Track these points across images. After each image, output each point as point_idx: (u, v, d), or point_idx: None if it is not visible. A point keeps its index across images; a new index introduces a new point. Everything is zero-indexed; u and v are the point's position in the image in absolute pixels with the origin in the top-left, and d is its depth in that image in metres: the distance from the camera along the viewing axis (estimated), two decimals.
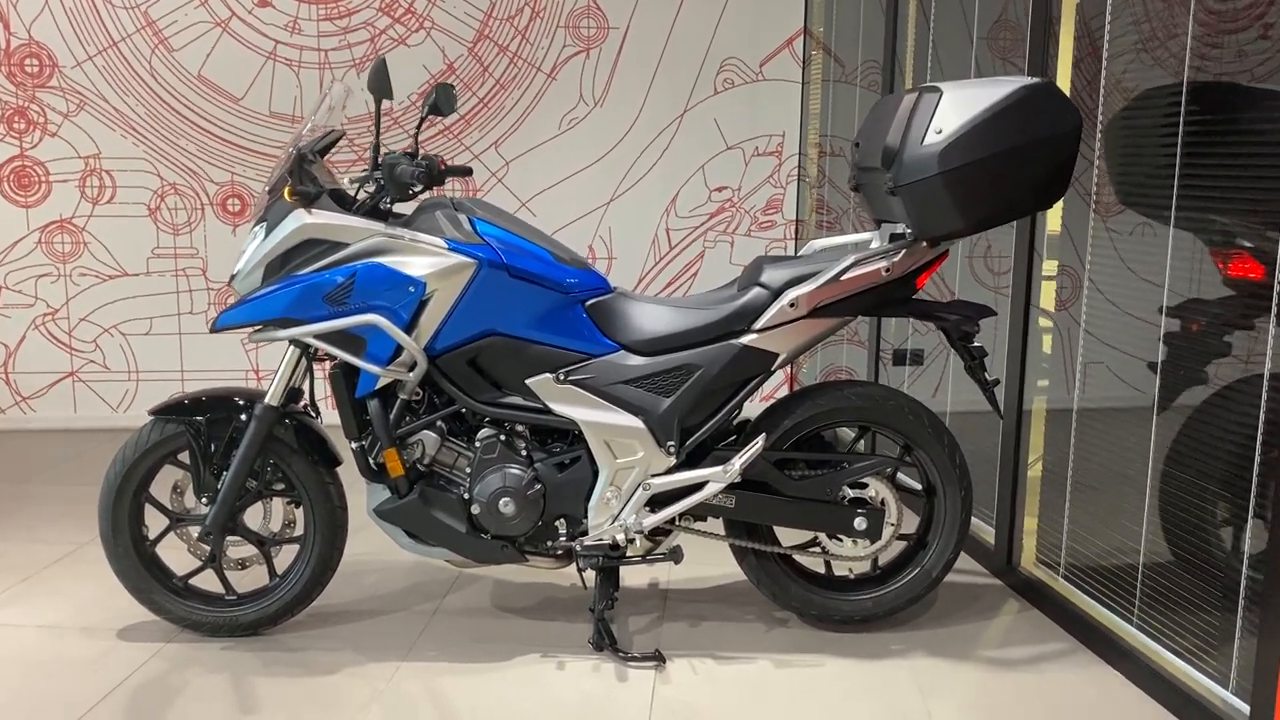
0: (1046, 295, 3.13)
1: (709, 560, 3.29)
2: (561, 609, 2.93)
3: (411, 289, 2.42)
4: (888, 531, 2.68)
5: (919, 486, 2.78)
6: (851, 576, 2.83)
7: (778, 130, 4.95)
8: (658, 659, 2.60)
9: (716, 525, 2.71)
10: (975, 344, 2.63)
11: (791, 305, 2.52)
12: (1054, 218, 3.09)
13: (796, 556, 2.78)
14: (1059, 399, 3.05)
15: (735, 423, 2.75)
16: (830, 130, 4.83)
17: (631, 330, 2.58)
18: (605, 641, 2.64)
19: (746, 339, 2.54)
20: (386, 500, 2.59)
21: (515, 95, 4.81)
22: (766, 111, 4.92)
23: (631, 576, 3.17)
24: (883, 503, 2.68)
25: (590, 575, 2.94)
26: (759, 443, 2.55)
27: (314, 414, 2.71)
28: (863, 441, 2.90)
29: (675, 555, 2.65)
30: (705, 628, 2.82)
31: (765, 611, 2.92)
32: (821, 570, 2.85)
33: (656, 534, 2.72)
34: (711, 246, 5.02)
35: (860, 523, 2.63)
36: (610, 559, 2.63)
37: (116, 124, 4.66)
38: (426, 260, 2.44)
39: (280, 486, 2.71)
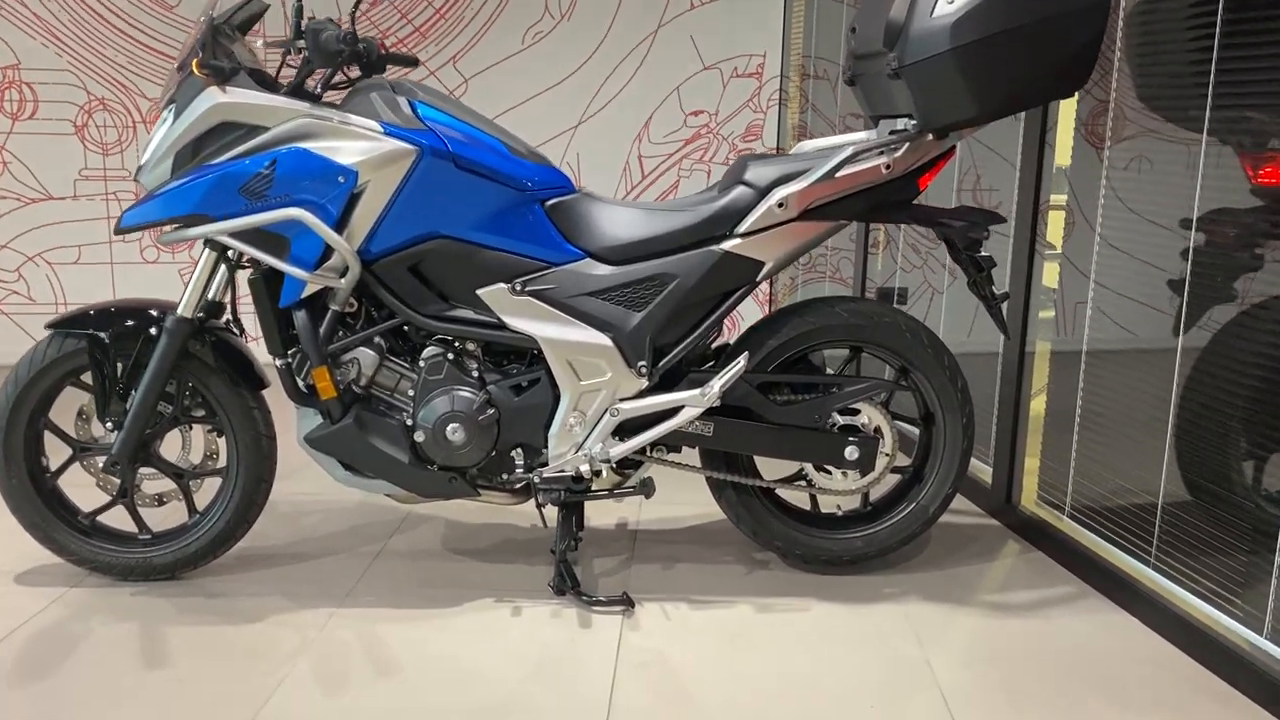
0: (1054, 229, 2.86)
1: (683, 498, 3.01)
2: (520, 550, 2.64)
3: (341, 179, 2.10)
4: (881, 463, 2.40)
5: (914, 416, 2.51)
6: (840, 513, 2.56)
7: (758, 50, 4.62)
8: (625, 603, 2.32)
9: (692, 456, 2.43)
10: (982, 253, 2.34)
11: (780, 206, 2.22)
12: (1064, 148, 2.82)
13: (780, 491, 2.50)
14: (1064, 337, 2.79)
15: (714, 346, 2.46)
16: (815, 51, 4.51)
17: (598, 235, 2.27)
18: (567, 585, 2.36)
19: (728, 245, 2.24)
20: (318, 427, 2.28)
21: (475, 6, 4.45)
22: (746, 29, 4.59)
23: (598, 515, 2.89)
24: (877, 431, 2.40)
25: (551, 512, 2.66)
26: (740, 363, 2.26)
27: (237, 331, 2.39)
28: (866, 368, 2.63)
29: (645, 489, 2.37)
30: (679, 570, 2.54)
31: (745, 552, 2.65)
32: (807, 507, 2.57)
33: (625, 466, 2.43)
34: (687, 175, 4.71)
35: (852, 452, 2.35)
36: (573, 493, 2.35)
37: (38, 31, 4.27)
38: (358, 146, 2.12)
39: (201, 413, 2.40)
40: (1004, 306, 2.43)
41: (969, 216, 2.31)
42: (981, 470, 3.11)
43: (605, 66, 4.54)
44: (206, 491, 2.46)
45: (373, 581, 2.45)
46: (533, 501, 2.38)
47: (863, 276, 4.05)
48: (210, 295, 2.31)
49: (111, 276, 4.44)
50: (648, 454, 2.40)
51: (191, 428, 2.43)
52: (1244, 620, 2.10)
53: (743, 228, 2.23)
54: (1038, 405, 2.86)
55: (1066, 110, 2.71)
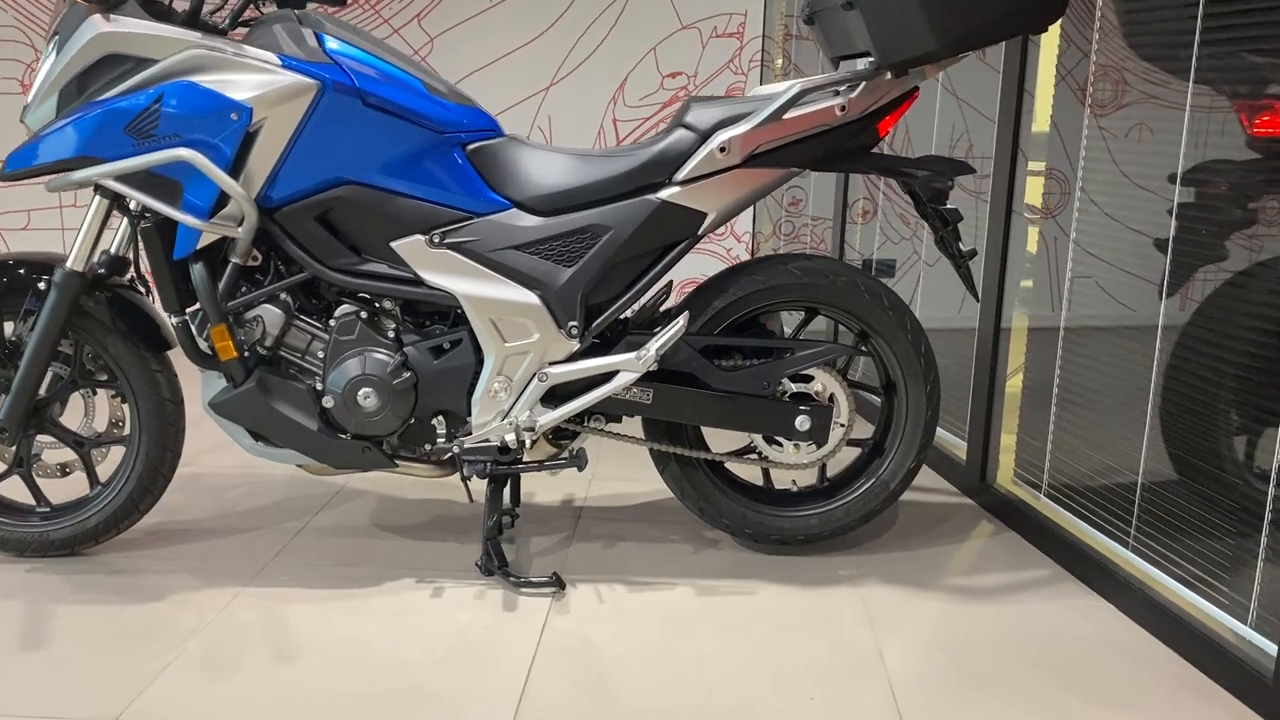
0: (1033, 192, 2.65)
1: (638, 474, 2.83)
2: (454, 528, 2.46)
3: (234, 116, 1.91)
4: (836, 434, 2.21)
5: (875, 384, 2.32)
6: (795, 489, 2.37)
7: (739, 9, 4.41)
8: (555, 584, 2.14)
9: (633, 427, 2.24)
10: (948, 206, 2.14)
11: (722, 150, 2.02)
12: (1042, 115, 2.61)
13: (730, 465, 2.32)
14: (1044, 312, 2.59)
15: (663, 310, 2.27)
16: (798, 10, 4.29)
17: (525, 183, 2.08)
18: (494, 564, 2.17)
19: (666, 193, 2.05)
20: (221, 391, 2.10)
21: None
22: None
23: (542, 489, 2.71)
24: (831, 399, 2.21)
25: (481, 486, 2.48)
26: (679, 324, 2.07)
27: (142, 289, 2.21)
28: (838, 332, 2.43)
29: (578, 460, 2.18)
30: (621, 550, 2.36)
31: (695, 531, 2.46)
32: (759, 482, 2.39)
33: (562, 436, 2.25)
34: None
35: (803, 422, 2.16)
36: (500, 465, 2.16)
37: None
38: (253, 80, 1.93)
39: (104, 377, 2.22)
40: (972, 266, 2.23)
41: (933, 165, 2.11)
42: (956, 446, 2.92)
43: (578, 25, 4.34)
44: (115, 462, 2.29)
45: (289, 559, 2.28)
46: (459, 475, 2.19)
47: (840, 246, 3.86)
48: (112, 250, 2.14)
49: (62, 243, 4.27)
50: (586, 424, 2.21)
51: (95, 393, 2.25)
52: (1227, 608, 1.91)
53: (682, 174, 2.04)
54: (1016, 382, 2.66)
55: (1047, 61, 2.51)
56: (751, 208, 4.75)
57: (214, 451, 2.95)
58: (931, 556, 2.36)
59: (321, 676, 1.82)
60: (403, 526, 2.47)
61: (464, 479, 2.16)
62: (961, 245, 2.18)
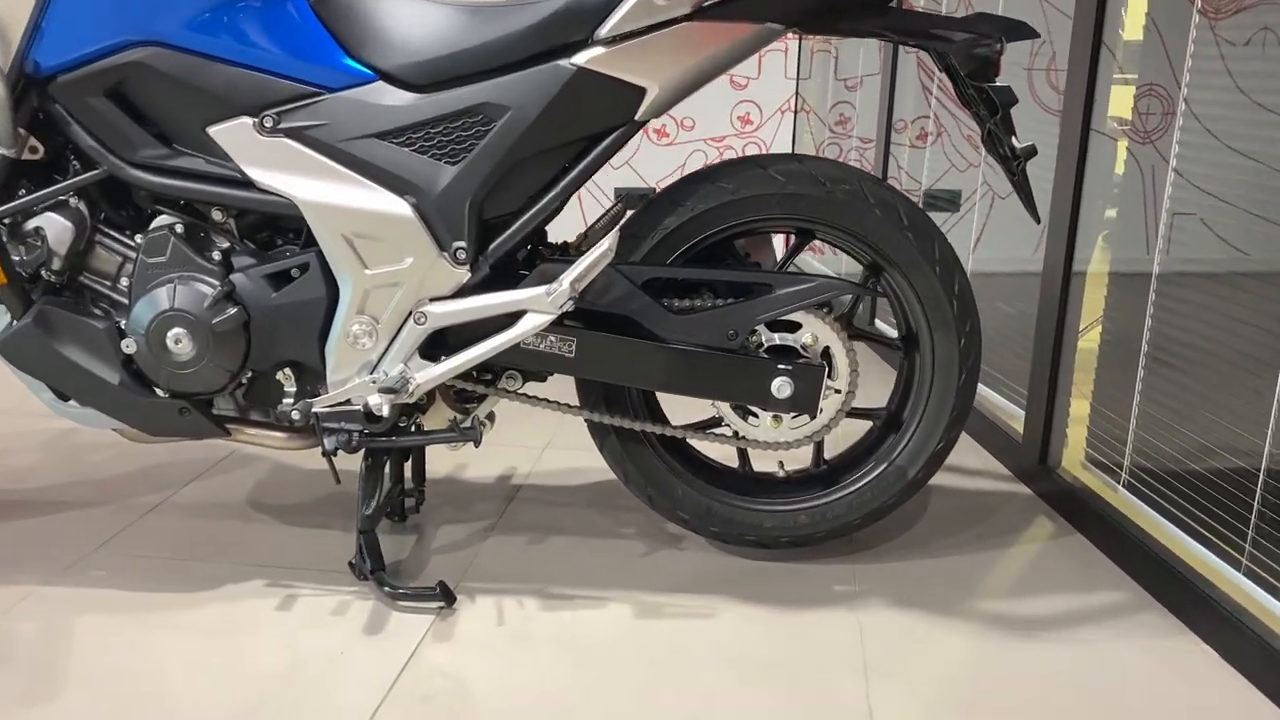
0: (1119, 103, 1.99)
1: None
2: (350, 510, 1.92)
3: None
4: (831, 403, 1.61)
5: (893, 335, 1.70)
6: (781, 475, 1.78)
7: None
8: (441, 598, 1.59)
9: (564, 389, 1.66)
10: (998, 83, 1.50)
11: None
12: (1135, 15, 1.94)
13: (693, 440, 1.73)
14: (1134, 255, 1.94)
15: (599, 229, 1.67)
16: None
17: (394, 45, 1.49)
18: (367, 566, 1.63)
19: (585, 57, 1.45)
20: (4, 330, 1.57)
21: None
22: None
23: (477, 460, 2.15)
24: (826, 355, 1.60)
25: (352, 463, 1.93)
26: (604, 246, 1.47)
27: None
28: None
29: (470, 434, 1.61)
30: (550, 547, 1.80)
31: (655, 525, 1.89)
32: (733, 463, 1.80)
33: (468, 400, 1.68)
34: None
35: (781, 387, 1.56)
36: (369, 437, 1.60)
37: None
38: None
39: None
40: (1029, 174, 1.59)
41: (975, 27, 1.47)
42: (1013, 416, 2.29)
43: None
44: None
45: (119, 547, 1.76)
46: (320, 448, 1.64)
47: (884, 170, 3.20)
48: None
49: None
50: (492, 383, 1.64)
51: None
52: None
53: (606, 30, 1.43)
54: (1093, 338, 2.01)
55: None
56: (791, 127, 4.09)
57: None
58: (965, 567, 1.75)
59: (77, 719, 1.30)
60: (285, 507, 1.94)
61: (326, 454, 1.60)
62: (1016, 141, 1.54)
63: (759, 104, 4.12)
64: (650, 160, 4.14)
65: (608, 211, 1.77)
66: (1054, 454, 2.09)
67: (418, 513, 1.90)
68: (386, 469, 1.68)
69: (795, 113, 4.15)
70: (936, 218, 3.24)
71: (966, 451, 2.28)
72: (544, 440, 2.29)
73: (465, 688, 1.40)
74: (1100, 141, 1.97)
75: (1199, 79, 1.72)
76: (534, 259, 1.61)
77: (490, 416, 1.69)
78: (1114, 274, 1.94)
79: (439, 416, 1.68)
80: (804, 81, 4.13)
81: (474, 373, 1.64)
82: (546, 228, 1.71)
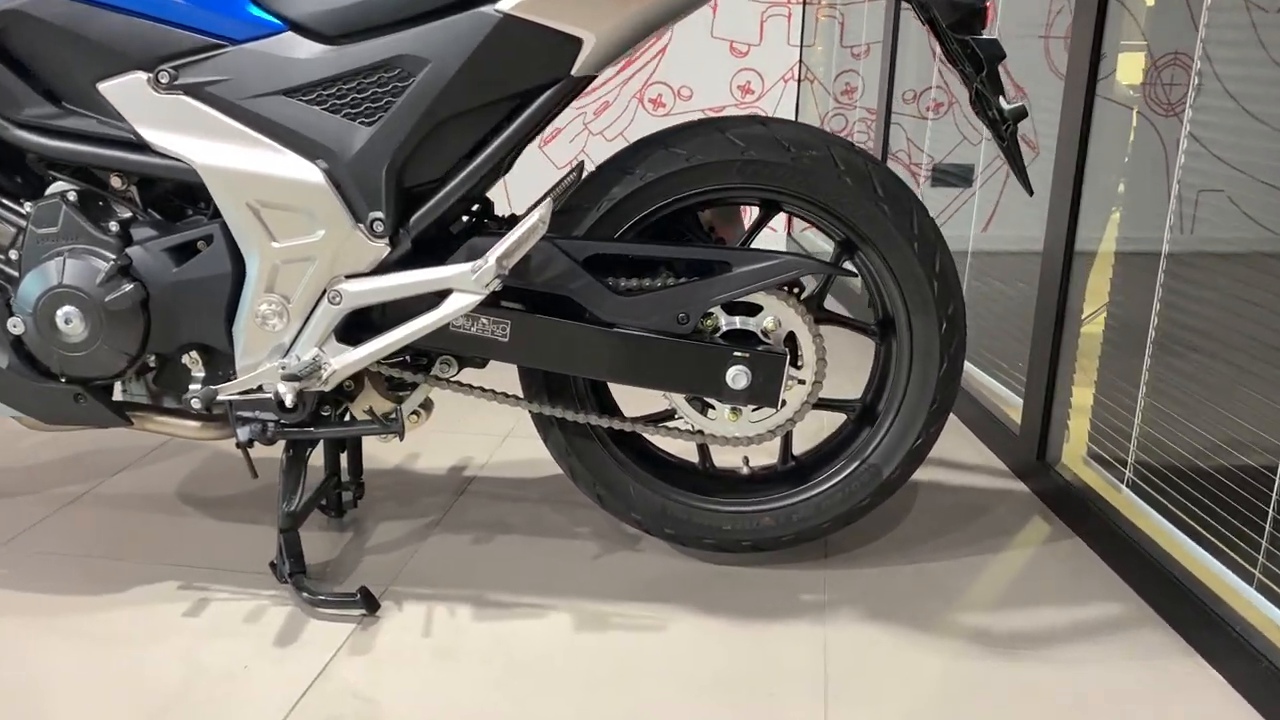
0: (1126, 77, 1.82)
1: None
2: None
3: None
4: (795, 395, 1.45)
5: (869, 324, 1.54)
6: (746, 471, 1.62)
7: None
8: (363, 604, 1.44)
9: (511, 376, 1.51)
10: (985, 36, 1.33)
11: None
12: None
13: (648, 435, 1.57)
14: (1143, 230, 1.76)
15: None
16: None
17: None
18: (286, 568, 1.49)
19: (511, 2, 1.28)
20: None
21: None
22: None
23: (432, 447, 2.00)
24: (789, 340, 1.44)
25: (271, 455, 1.79)
26: (534, 219, 1.31)
27: None
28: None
29: (393, 426, 1.46)
30: (495, 548, 1.65)
31: (614, 524, 1.73)
32: (692, 458, 1.64)
33: (400, 387, 1.53)
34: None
35: (737, 376, 1.40)
36: (285, 428, 1.45)
37: None
38: None
39: None
40: (1020, 137, 1.42)
41: None
42: (1010, 405, 2.12)
43: None
44: None
45: (27, 545, 1.63)
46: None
47: (884, 140, 3.02)
48: None
49: None
50: (423, 370, 1.49)
51: None
52: None
53: None
54: (1099, 324, 1.84)
55: None
56: (794, 96, 3.90)
57: None
58: (948, 574, 1.59)
59: None
60: (219, 499, 1.80)
61: (240, 445, 1.46)
62: (1005, 101, 1.37)
63: (760, 72, 3.93)
64: (646, 132, 3.96)
65: (563, 179, 1.61)
66: (1053, 448, 1.92)
67: (355, 507, 1.76)
68: (309, 460, 1.53)
69: (799, 82, 3.96)
70: (947, 194, 3.08)
71: (962, 444, 2.12)
72: (507, 427, 2.14)
73: (376, 709, 1.25)
74: (1109, 109, 1.79)
75: (1219, 44, 1.53)
76: (476, 231, 1.45)
77: (427, 405, 1.54)
78: (1123, 253, 1.76)
79: (369, 404, 1.53)
80: (808, 49, 3.94)
81: (407, 357, 1.49)
82: (490, 196, 1.56)
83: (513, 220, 1.56)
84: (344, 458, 1.74)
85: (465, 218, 1.56)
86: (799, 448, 1.62)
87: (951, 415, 2.27)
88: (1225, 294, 1.48)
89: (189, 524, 1.70)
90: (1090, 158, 1.79)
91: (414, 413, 1.53)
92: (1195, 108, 1.57)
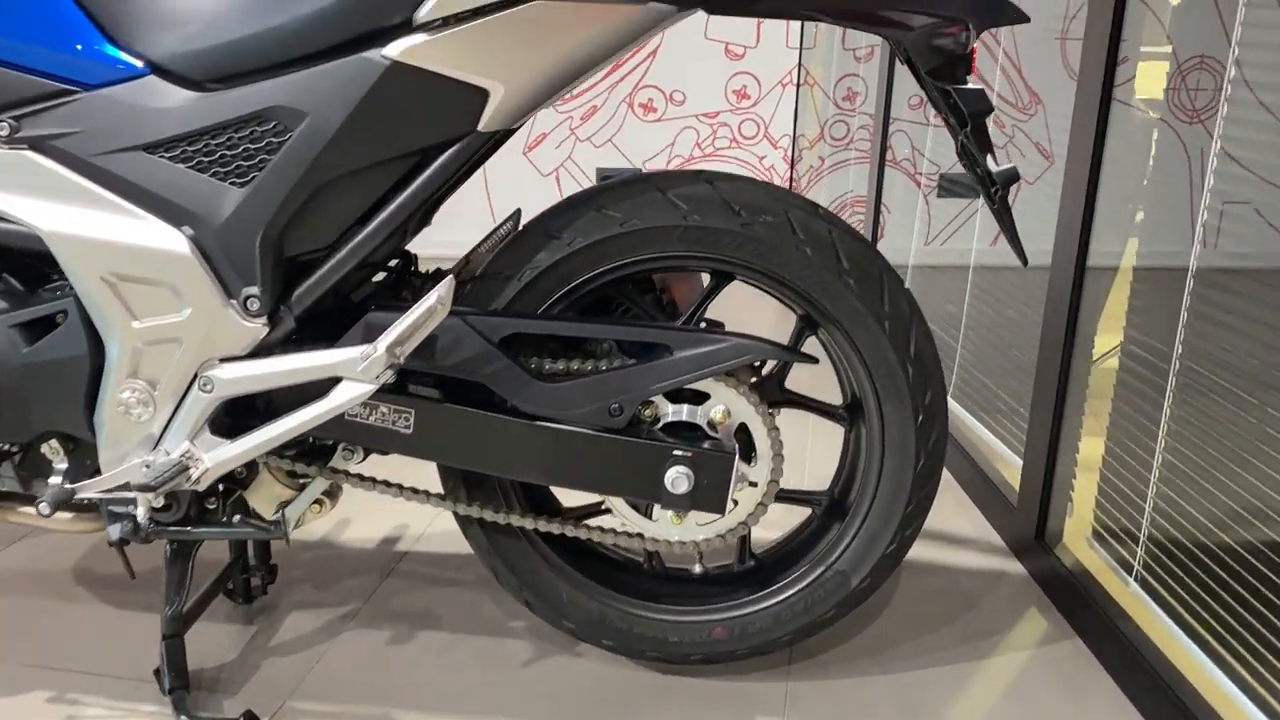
0: (1147, 81, 1.62)
1: None
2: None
3: None
4: (748, 497, 1.25)
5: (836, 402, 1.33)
6: (698, 570, 1.42)
7: None
8: None
9: (427, 472, 1.32)
10: (968, 85, 1.12)
11: None
12: None
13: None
14: (1164, 250, 1.56)
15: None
16: None
17: (170, 29, 1.13)
18: (165, 683, 1.30)
19: (400, 47, 1.08)
20: None
21: None
22: None
23: (365, 511, 1.81)
24: (741, 434, 1.24)
25: (160, 554, 1.60)
26: (434, 299, 1.11)
27: None
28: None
29: (274, 532, 1.27)
30: (414, 648, 1.46)
31: (549, 627, 1.54)
32: (639, 554, 1.44)
33: (304, 478, 1.34)
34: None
35: (677, 479, 1.20)
36: (160, 526, 1.26)
37: None
38: None
39: None
40: (1014, 201, 1.20)
41: (940, 7, 1.09)
42: (1009, 465, 1.91)
43: None
44: None
45: None
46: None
47: (881, 152, 2.80)
48: None
49: None
50: (319, 463, 1.30)
51: None
52: None
53: (427, 9, 1.06)
54: (1106, 372, 1.63)
55: None
56: (792, 102, 3.68)
57: None
58: (925, 685, 1.39)
59: None
60: (109, 587, 1.61)
61: (114, 543, 1.27)
62: (994, 162, 1.16)
63: (757, 76, 3.71)
64: (636, 138, 3.76)
65: (498, 227, 1.42)
66: (1054, 522, 1.71)
67: (265, 594, 1.57)
68: (190, 563, 1.34)
69: (798, 86, 3.74)
70: (955, 205, 2.86)
71: (956, 509, 1.91)
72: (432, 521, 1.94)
73: None
74: (1121, 113, 1.58)
75: (1252, 49, 1.32)
76: (380, 301, 1.26)
77: (333, 492, 1.35)
78: (1143, 270, 1.55)
79: (270, 491, 1.34)
80: (808, 51, 3.72)
81: (310, 441, 1.30)
82: (413, 250, 1.36)
83: (438, 278, 1.37)
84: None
85: (385, 272, 1.37)
86: (763, 536, 1.42)
87: (945, 472, 2.07)
88: (1261, 322, 1.28)
89: (73, 617, 1.52)
90: (1105, 167, 1.58)
91: (316, 502, 1.34)
92: (1228, 119, 1.36)
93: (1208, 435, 1.39)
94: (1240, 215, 1.40)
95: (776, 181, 3.82)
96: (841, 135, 3.78)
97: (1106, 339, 1.62)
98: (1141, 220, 1.63)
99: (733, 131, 3.77)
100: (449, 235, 3.70)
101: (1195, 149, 1.82)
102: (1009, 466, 1.93)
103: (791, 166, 3.80)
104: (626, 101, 3.74)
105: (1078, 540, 1.67)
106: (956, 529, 1.84)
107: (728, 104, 3.74)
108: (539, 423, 1.20)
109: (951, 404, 2.29)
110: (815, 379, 2.28)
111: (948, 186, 2.87)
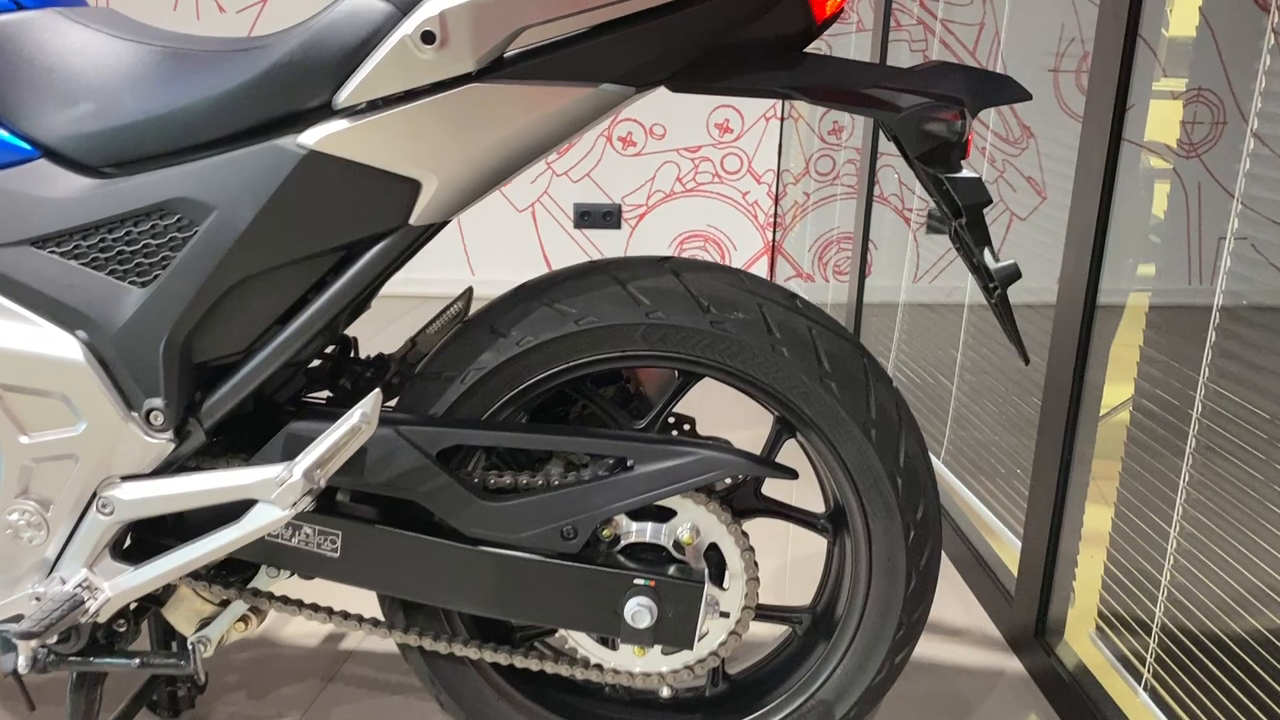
0: (1162, 123, 1.50)
1: None
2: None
3: None
4: (718, 628, 1.11)
5: (818, 516, 1.20)
6: (666, 694, 1.29)
7: None
8: None
9: (367, 600, 1.18)
10: (963, 174, 0.99)
11: (428, 41, 0.91)
12: (1188, 14, 1.46)
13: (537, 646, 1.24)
14: (1174, 292, 1.45)
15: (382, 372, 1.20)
16: None
17: (63, 108, 1.00)
18: None
19: (317, 135, 0.95)
20: None
21: None
22: None
23: (298, 620, 1.67)
24: (712, 556, 1.10)
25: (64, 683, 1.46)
26: (358, 417, 0.98)
27: None
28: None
29: (181, 665, 1.13)
30: None
31: None
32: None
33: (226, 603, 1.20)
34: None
35: (638, 613, 1.07)
36: (59, 657, 1.13)
37: None
38: None
39: None
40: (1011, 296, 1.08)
41: (933, 86, 0.96)
42: (1008, 545, 1.79)
43: None
44: None
45: None
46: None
47: (869, 188, 2.68)
48: None
49: None
50: (236, 585, 1.16)
51: None
52: None
53: (348, 93, 0.93)
54: (1113, 432, 1.51)
55: None
56: (776, 136, 3.57)
57: None
58: None
59: None
60: (20, 714, 1.46)
61: (10, 674, 1.13)
62: (992, 258, 1.03)
63: (740, 109, 3.60)
64: (615, 173, 3.64)
65: (448, 307, 1.29)
66: (1055, 615, 1.59)
67: (193, 706, 1.43)
68: (96, 693, 1.20)
69: (782, 119, 3.62)
70: (943, 241, 2.74)
71: (948, 593, 1.79)
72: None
73: None
74: (1131, 154, 1.46)
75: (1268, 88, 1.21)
76: (337, 376, 1.13)
77: (257, 610, 1.21)
78: (1158, 308, 1.43)
79: (190, 609, 1.20)
80: None
81: (233, 560, 1.16)
82: (351, 335, 1.23)
83: (379, 363, 1.24)
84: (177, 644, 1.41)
85: (320, 359, 1.23)
86: (735, 664, 1.28)
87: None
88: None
89: None
90: (1115, 205, 1.47)
91: (241, 619, 1.20)
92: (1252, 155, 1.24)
93: (1236, 503, 1.26)
94: (1244, 254, 1.28)
95: (760, 218, 3.70)
96: (827, 170, 3.66)
97: (1115, 379, 1.50)
98: (1145, 258, 1.51)
99: (715, 166, 3.65)
100: (419, 274, 3.58)
101: (1192, 183, 1.71)
102: (1006, 547, 1.80)
103: (776, 202, 3.68)
104: (605, 135, 3.62)
105: (1081, 638, 1.54)
106: (950, 617, 1.71)
107: (710, 138, 3.63)
108: (482, 547, 1.06)
109: (944, 470, 2.16)
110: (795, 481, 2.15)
111: (936, 224, 2.76)
